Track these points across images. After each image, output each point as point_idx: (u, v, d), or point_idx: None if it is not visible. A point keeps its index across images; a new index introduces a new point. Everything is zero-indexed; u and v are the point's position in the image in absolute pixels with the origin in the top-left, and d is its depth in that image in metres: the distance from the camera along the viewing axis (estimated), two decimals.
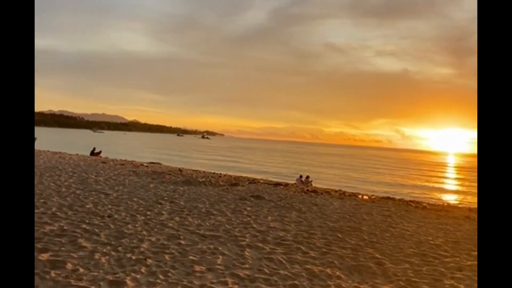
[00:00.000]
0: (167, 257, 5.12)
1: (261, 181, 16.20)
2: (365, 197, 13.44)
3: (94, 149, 28.57)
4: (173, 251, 5.37)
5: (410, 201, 13.41)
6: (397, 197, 15.04)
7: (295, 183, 16.72)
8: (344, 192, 14.72)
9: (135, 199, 9.26)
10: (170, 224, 6.95)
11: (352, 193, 14.71)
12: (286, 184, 15.46)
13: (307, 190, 13.96)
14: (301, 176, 18.01)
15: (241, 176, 18.52)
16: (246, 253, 5.55)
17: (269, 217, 8.19)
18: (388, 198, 13.96)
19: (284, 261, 5.28)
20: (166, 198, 9.71)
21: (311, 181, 17.61)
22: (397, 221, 8.85)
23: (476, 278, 5.06)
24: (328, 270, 5.00)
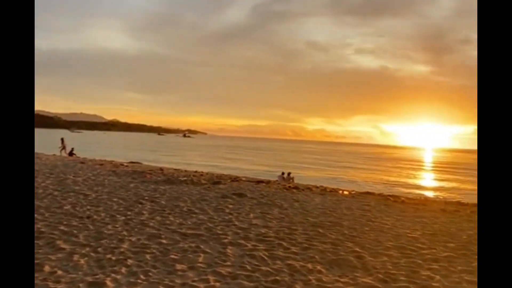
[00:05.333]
0: (148, 256, 5.08)
1: (244, 178, 16.20)
2: (345, 192, 13.64)
3: (72, 149, 28.00)
4: (154, 251, 5.33)
5: (389, 195, 13.68)
6: (377, 192, 15.33)
7: (277, 180, 16.82)
8: (325, 188, 14.90)
9: (115, 199, 9.13)
10: (151, 224, 6.89)
11: (333, 188, 14.90)
12: (268, 182, 15.52)
13: (289, 186, 14.07)
14: (283, 173, 18.16)
15: (223, 174, 18.49)
16: (228, 250, 5.56)
17: (251, 214, 8.22)
18: (368, 193, 14.21)
19: (266, 258, 5.31)
20: (147, 198, 9.61)
21: (293, 177, 17.77)
22: (376, 215, 9.03)
23: (452, 269, 5.24)
24: (309, 265, 5.07)
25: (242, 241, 6.05)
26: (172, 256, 5.13)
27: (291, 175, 17.89)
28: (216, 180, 14.39)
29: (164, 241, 5.84)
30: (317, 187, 14.77)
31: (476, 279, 4.84)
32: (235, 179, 15.56)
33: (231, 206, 9.11)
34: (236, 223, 7.32)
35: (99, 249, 5.27)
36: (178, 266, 4.76)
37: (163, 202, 9.17)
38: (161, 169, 18.63)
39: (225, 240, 6.05)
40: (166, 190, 11.18)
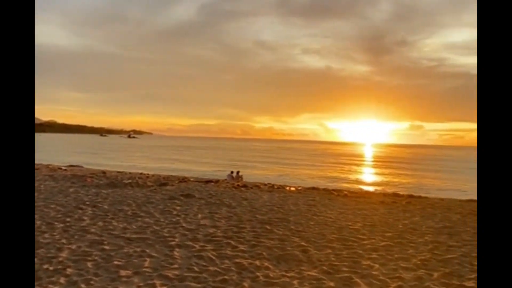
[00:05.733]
0: (89, 264, 4.84)
1: (192, 179, 16.00)
2: (292, 188, 14.01)
3: None
4: (96, 258, 5.09)
5: (333, 190, 14.29)
6: (321, 187, 15.93)
7: (226, 179, 16.82)
8: (273, 185, 15.18)
9: (52, 206, 8.56)
10: (93, 230, 6.56)
11: (280, 185, 15.23)
12: (217, 181, 15.48)
13: (238, 185, 14.14)
14: (232, 172, 18.19)
15: (171, 176, 18.10)
16: (175, 253, 5.47)
17: (199, 215, 8.14)
18: (313, 188, 14.73)
19: (214, 258, 5.30)
20: (88, 203, 9.13)
21: (242, 176, 17.88)
22: (321, 209, 9.39)
23: (390, 257, 5.61)
24: (257, 262, 5.15)
25: (190, 243, 5.98)
26: (116, 262, 4.93)
27: (240, 174, 17.98)
28: (163, 181, 14.06)
29: (107, 247, 5.60)
30: (265, 185, 15.01)
31: (411, 266, 5.23)
32: (183, 179, 15.32)
33: (178, 207, 8.95)
34: (184, 224, 7.22)
35: (35, 259, 4.92)
36: (123, 272, 4.60)
37: (105, 206, 8.77)
38: (104, 172, 17.82)
39: (172, 243, 5.94)
40: (109, 194, 10.71)
